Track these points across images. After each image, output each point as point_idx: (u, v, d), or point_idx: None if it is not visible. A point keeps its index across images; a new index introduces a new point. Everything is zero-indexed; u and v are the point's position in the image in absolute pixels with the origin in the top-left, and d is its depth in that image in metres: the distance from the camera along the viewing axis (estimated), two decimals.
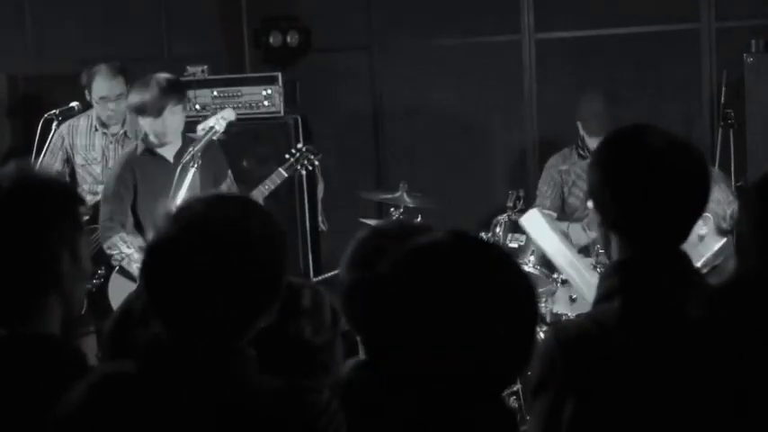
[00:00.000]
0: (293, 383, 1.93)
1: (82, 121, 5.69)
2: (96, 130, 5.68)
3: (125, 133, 5.68)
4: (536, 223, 4.25)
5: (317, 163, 5.36)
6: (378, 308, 1.78)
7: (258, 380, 1.92)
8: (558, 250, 4.02)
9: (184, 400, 1.87)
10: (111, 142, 5.67)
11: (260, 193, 5.07)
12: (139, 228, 5.12)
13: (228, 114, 5.23)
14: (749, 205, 2.24)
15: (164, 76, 5.05)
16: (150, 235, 4.97)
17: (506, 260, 1.81)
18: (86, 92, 5.59)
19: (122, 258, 5.08)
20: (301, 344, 2.16)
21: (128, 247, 5.06)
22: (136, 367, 1.92)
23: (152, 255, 1.94)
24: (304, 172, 5.38)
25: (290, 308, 2.17)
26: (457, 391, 1.73)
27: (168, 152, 5.09)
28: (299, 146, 5.37)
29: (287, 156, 5.30)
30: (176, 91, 5.03)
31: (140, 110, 4.99)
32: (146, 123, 5.02)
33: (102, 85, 5.54)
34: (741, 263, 2.21)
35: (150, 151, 5.09)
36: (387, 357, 1.84)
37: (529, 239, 5.11)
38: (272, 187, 5.13)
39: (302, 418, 1.87)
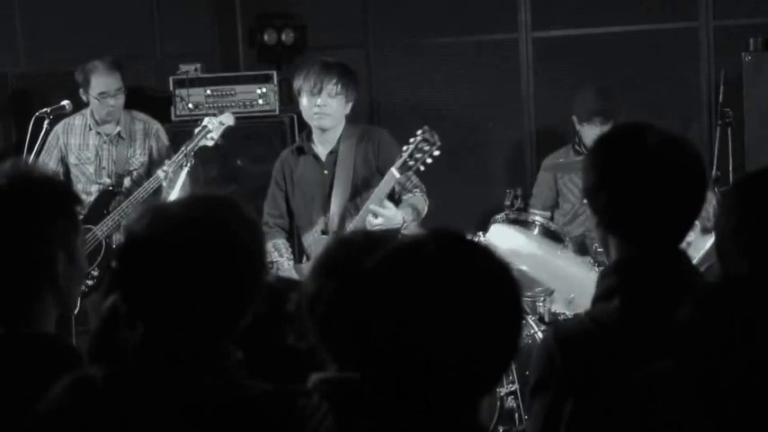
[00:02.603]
0: (283, 387, 1.93)
1: (77, 120, 5.67)
2: (90, 129, 5.66)
3: (119, 134, 5.65)
4: (501, 235, 4.21)
5: (436, 153, 4.65)
6: (358, 311, 1.76)
7: (247, 382, 1.92)
8: (529, 250, 3.99)
9: (172, 402, 1.86)
10: (105, 142, 5.65)
11: (377, 199, 4.60)
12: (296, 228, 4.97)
13: (227, 119, 5.19)
14: (730, 207, 2.22)
15: (333, 59, 4.89)
16: (304, 237, 4.75)
17: (491, 257, 1.78)
18: (82, 90, 5.55)
19: (272, 266, 4.86)
20: (285, 349, 2.15)
21: (279, 255, 4.89)
22: (122, 369, 1.92)
23: (126, 256, 1.93)
24: (422, 167, 4.67)
25: (274, 313, 2.17)
26: (444, 390, 1.70)
27: (321, 149, 4.89)
28: (417, 133, 4.69)
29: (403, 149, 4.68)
30: (341, 74, 4.78)
31: (298, 89, 4.79)
32: (302, 105, 4.81)
33: (101, 80, 5.51)
34: (723, 264, 2.20)
35: (300, 149, 4.93)
36: (361, 362, 1.82)
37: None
38: (387, 190, 4.61)
39: (292, 421, 1.86)
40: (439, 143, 4.63)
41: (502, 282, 1.74)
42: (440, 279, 1.69)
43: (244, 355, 2.37)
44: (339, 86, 4.76)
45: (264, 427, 1.85)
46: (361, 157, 4.86)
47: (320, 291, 2.07)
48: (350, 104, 4.86)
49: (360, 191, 4.81)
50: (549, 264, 3.96)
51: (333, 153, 4.85)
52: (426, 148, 4.63)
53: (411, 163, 4.60)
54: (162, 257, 1.89)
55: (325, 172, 4.84)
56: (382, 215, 4.56)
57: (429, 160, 4.64)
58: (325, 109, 4.76)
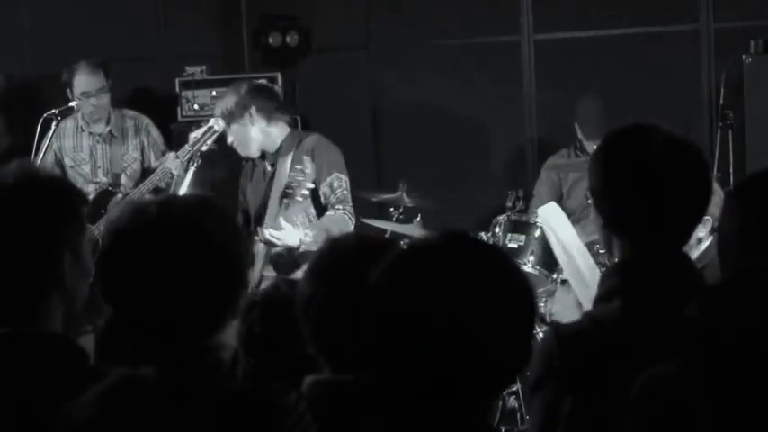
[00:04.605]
0: (260, 385, 1.93)
1: (69, 123, 5.71)
2: (83, 130, 5.71)
3: (110, 132, 5.70)
4: (555, 215, 4.19)
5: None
6: (365, 314, 1.75)
7: (224, 381, 1.92)
8: (576, 244, 3.97)
9: (150, 400, 1.86)
10: (98, 142, 5.70)
11: (270, 219, 4.61)
12: None
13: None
14: (732, 209, 2.23)
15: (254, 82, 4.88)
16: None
17: (504, 260, 1.79)
18: (68, 90, 5.60)
19: None
20: (303, 354, 2.15)
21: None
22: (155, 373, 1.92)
23: (105, 253, 1.95)
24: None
25: (289, 317, 2.18)
26: (453, 392, 1.70)
27: (268, 162, 4.86)
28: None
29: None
30: (227, 102, 4.77)
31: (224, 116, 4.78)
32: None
33: (82, 80, 5.55)
34: (724, 263, 2.21)
35: (255, 161, 4.93)
36: (366, 364, 1.82)
37: (530, 239, 5.11)
38: (273, 212, 4.63)
39: (266, 420, 1.85)
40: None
41: (515, 282, 1.74)
42: (453, 280, 1.69)
43: (262, 359, 2.39)
44: (227, 116, 4.75)
45: (239, 425, 1.84)
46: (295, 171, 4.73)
47: (314, 294, 2.09)
48: (253, 119, 4.77)
49: (289, 205, 4.69)
50: (578, 267, 3.96)
51: (273, 166, 4.83)
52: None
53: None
54: (136, 255, 1.90)
55: (265, 184, 4.82)
56: (275, 237, 4.50)
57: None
58: (233, 140, 4.80)
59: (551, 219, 4.09)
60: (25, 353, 2.11)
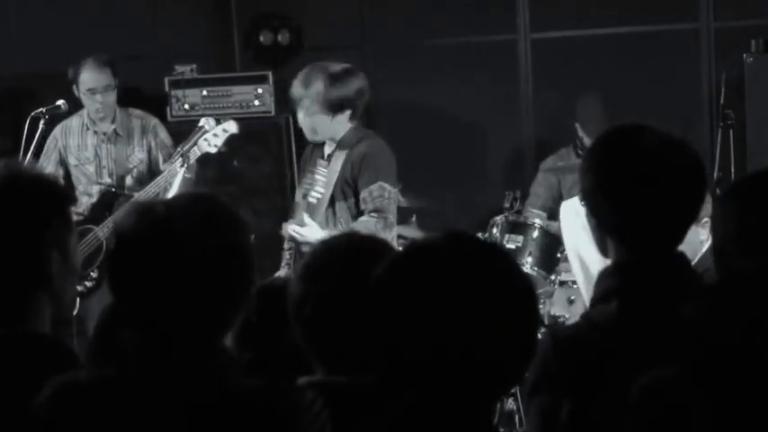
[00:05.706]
0: (274, 383, 1.92)
1: (75, 122, 5.68)
2: (88, 129, 5.67)
3: (115, 131, 5.64)
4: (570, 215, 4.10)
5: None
6: (365, 314, 1.74)
7: (238, 379, 1.92)
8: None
9: (160, 401, 1.87)
10: (103, 141, 5.65)
11: (298, 216, 4.61)
12: None
13: (230, 127, 5.16)
14: (727, 211, 2.20)
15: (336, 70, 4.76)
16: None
17: (506, 259, 1.77)
18: (74, 87, 5.56)
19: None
20: (298, 351, 2.13)
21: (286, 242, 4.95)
22: (116, 369, 1.93)
23: (114, 254, 1.95)
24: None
25: (285, 307, 2.15)
26: (455, 393, 1.68)
27: (327, 149, 4.79)
28: None
29: None
30: (295, 85, 4.68)
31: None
32: None
33: (89, 76, 5.51)
34: (719, 264, 2.19)
35: (319, 144, 4.86)
36: (360, 366, 1.85)
37: (528, 240, 5.09)
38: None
39: (280, 418, 1.85)
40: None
41: (516, 282, 1.73)
42: (454, 280, 1.68)
43: (256, 355, 2.38)
44: (295, 98, 4.68)
45: (253, 423, 1.85)
46: (347, 168, 4.70)
47: (306, 294, 2.09)
48: (318, 108, 4.66)
49: (335, 201, 4.68)
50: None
51: (330, 156, 4.81)
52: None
53: None
54: (147, 255, 1.90)
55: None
56: (297, 232, 4.51)
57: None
58: (301, 124, 4.73)
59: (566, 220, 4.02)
60: (18, 354, 2.14)
